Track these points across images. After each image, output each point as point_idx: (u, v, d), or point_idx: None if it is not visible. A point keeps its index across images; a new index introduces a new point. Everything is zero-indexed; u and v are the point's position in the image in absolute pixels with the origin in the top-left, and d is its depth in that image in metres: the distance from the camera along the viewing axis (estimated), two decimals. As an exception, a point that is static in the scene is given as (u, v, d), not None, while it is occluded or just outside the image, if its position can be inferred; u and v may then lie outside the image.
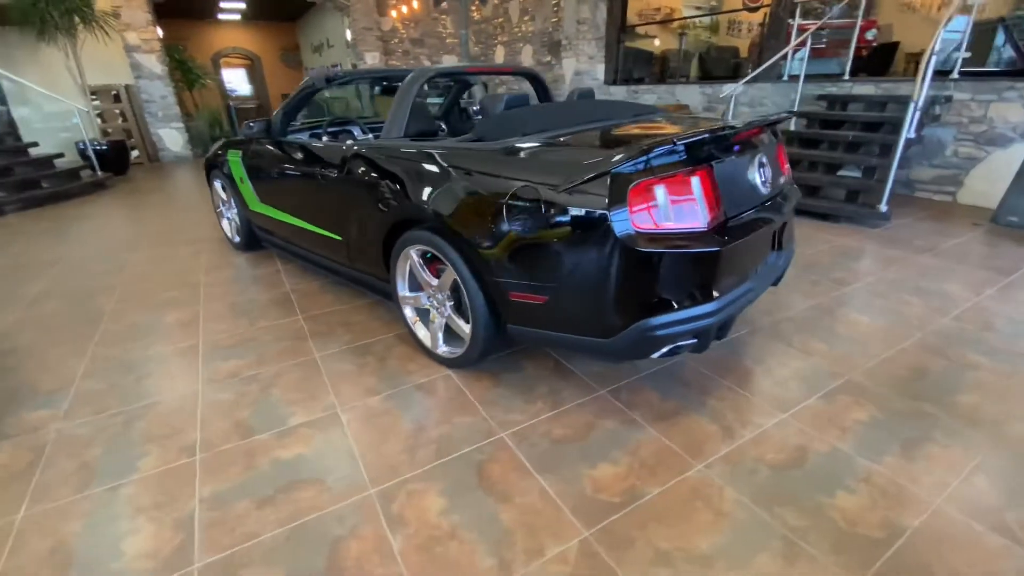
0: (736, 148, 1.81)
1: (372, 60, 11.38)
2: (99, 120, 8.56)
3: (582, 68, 8.67)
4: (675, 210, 1.59)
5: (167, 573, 1.38)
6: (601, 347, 1.75)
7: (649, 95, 7.91)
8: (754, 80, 5.83)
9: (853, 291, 2.98)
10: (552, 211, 1.65)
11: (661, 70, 9.67)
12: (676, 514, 1.51)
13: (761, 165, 1.90)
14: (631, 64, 8.83)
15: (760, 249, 1.96)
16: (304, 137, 3.10)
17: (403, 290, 2.37)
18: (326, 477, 1.69)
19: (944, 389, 2.05)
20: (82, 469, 1.77)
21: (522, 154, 1.81)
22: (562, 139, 1.91)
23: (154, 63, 8.98)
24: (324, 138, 3.43)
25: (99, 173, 7.17)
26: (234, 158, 3.51)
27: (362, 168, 2.34)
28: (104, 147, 7.59)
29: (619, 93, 8.51)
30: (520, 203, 1.72)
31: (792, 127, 5.36)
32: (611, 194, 1.52)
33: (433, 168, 2.01)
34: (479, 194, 1.85)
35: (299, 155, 2.83)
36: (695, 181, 1.61)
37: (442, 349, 2.26)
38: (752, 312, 2.73)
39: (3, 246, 4.55)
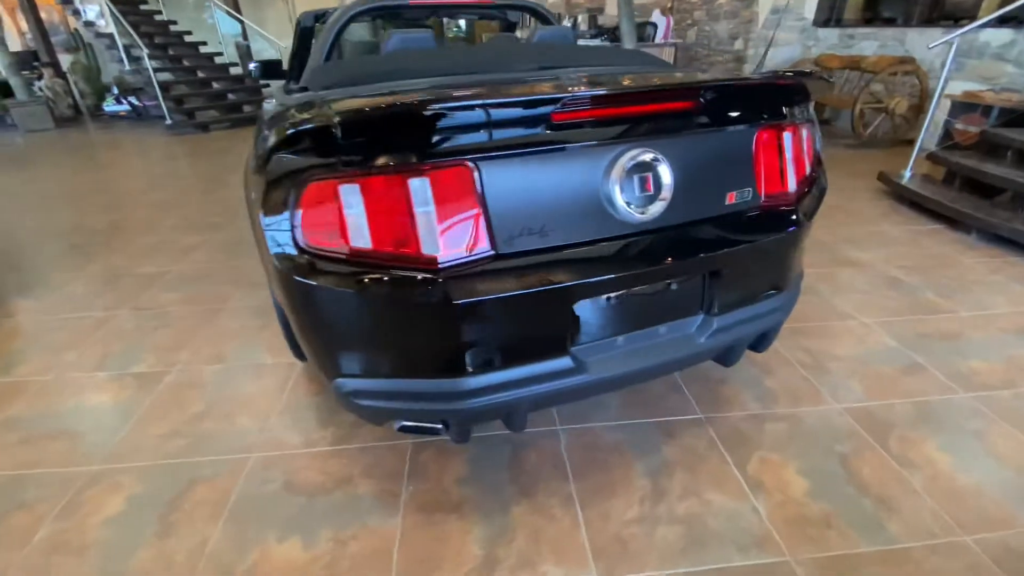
0: (569, 133, 1.04)
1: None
2: (312, 56, 10.05)
3: (783, 3, 6.68)
4: (376, 229, 0.99)
5: (-95, 480, 1.53)
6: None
7: (868, 42, 5.75)
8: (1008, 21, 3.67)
9: (973, 400, 1.70)
10: (255, 198, 1.20)
11: (932, 5, 6.83)
12: (285, 659, 1.06)
13: (636, 168, 1.07)
14: (872, -2, 6.42)
15: (621, 311, 1.18)
16: None
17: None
18: (86, 437, 1.67)
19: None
20: (-13, 360, 2.09)
21: (280, 117, 1.34)
22: (382, 91, 1.34)
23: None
24: None
25: (291, 102, 8.47)
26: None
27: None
28: (302, 80, 8.91)
29: (830, 37, 6.38)
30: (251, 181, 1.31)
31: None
32: (266, 189, 1.01)
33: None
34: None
35: None
36: (416, 185, 0.96)
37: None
38: (749, 387, 1.78)
39: (182, 157, 5.73)
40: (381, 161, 0.96)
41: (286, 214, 1.00)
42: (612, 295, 1.15)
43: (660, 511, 1.34)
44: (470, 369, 1.07)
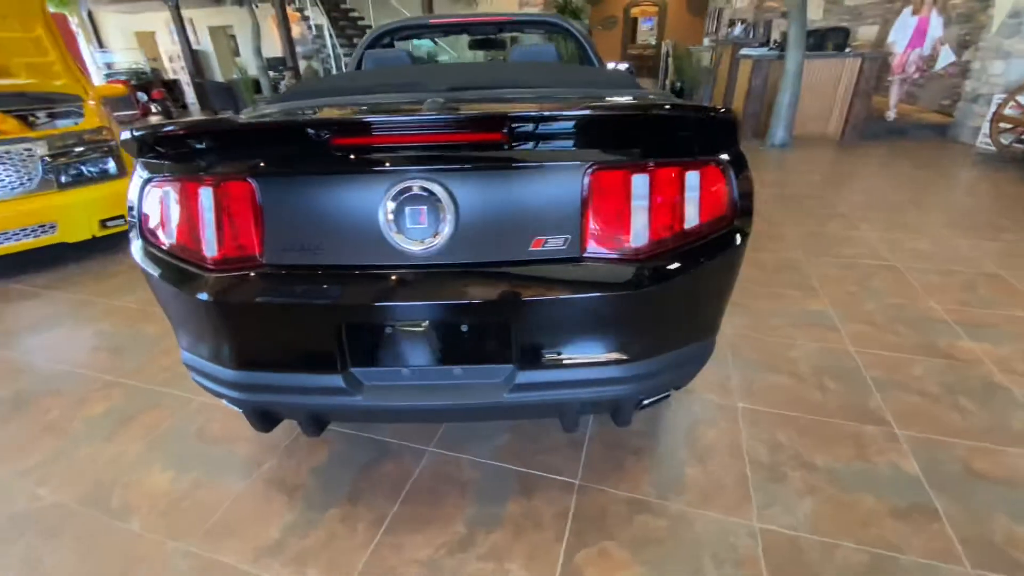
0: (348, 158, 1.06)
1: (742, 3, 9.78)
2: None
3: (1034, 3, 5.01)
4: (180, 228, 1.15)
5: None
6: None
7: None
8: None
9: None
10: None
11: None
12: None
13: (412, 200, 1.03)
14: None
15: (403, 343, 1.15)
16: None
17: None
18: (121, 354, 2.20)
19: None
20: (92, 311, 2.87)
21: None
22: (305, 110, 1.50)
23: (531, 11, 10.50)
24: None
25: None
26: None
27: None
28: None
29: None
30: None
31: None
32: (134, 180, 1.23)
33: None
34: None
35: None
36: (202, 194, 1.09)
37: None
38: (662, 468, 1.52)
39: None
40: (183, 171, 1.12)
41: (135, 207, 1.22)
42: (390, 325, 1.13)
43: (450, 562, 1.26)
44: (236, 363, 1.17)
